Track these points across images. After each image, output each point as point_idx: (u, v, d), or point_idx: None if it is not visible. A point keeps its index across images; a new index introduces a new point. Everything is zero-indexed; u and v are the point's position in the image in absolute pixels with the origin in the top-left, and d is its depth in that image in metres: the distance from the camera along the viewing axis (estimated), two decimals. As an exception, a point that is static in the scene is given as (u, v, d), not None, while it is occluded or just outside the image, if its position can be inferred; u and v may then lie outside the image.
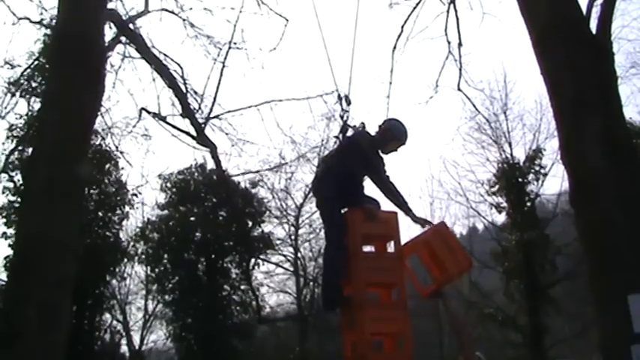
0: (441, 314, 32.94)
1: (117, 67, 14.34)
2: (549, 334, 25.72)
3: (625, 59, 23.37)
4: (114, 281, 26.83)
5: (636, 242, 6.99)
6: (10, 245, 19.84)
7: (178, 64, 14.03)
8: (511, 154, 27.50)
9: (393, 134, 8.14)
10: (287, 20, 14.00)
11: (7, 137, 20.18)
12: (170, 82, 13.79)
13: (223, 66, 14.15)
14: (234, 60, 14.43)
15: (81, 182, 8.03)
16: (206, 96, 14.22)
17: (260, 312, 28.53)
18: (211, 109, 14.19)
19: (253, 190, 28.15)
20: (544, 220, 26.60)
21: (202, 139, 14.19)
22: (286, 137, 25.28)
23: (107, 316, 25.63)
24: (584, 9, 8.40)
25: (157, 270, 26.96)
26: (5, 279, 17.48)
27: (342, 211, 7.74)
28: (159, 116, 14.38)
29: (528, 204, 26.60)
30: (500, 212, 27.56)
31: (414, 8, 14.87)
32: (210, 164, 24.88)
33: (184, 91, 13.94)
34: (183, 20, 14.27)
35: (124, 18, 13.44)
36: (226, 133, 15.01)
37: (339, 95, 8.23)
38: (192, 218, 27.05)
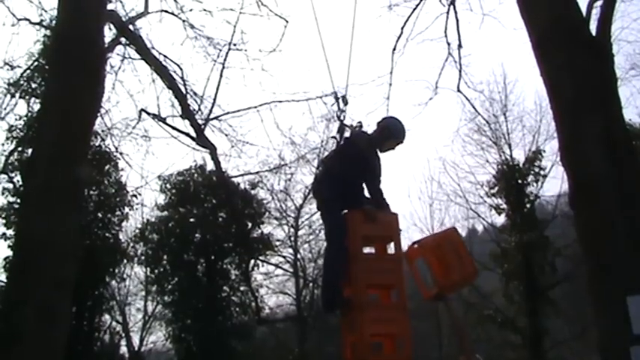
0: (440, 315, 33.00)
1: (117, 68, 14.35)
2: (548, 336, 25.73)
3: (625, 61, 23.37)
4: (113, 282, 26.81)
5: (635, 244, 6.99)
6: (9, 246, 19.85)
7: (178, 65, 14.04)
8: (511, 156, 27.53)
9: (391, 132, 8.13)
10: (287, 21, 14.00)
11: (7, 138, 20.20)
12: (170, 84, 13.79)
13: (223, 67, 14.16)
14: (233, 61, 14.44)
15: (80, 183, 8.03)
16: (206, 97, 14.22)
17: (259, 313, 28.52)
18: (211, 111, 14.19)
19: (253, 192, 28.15)
20: (543, 222, 26.62)
21: (202, 141, 14.18)
22: (286, 138, 25.30)
23: (106, 317, 25.62)
24: (584, 11, 8.41)
25: (156, 271, 26.96)
26: (5, 280, 17.50)
27: (343, 213, 7.75)
28: (158, 117, 14.38)
29: (528, 205, 26.61)
30: (499, 214, 27.60)
31: (414, 9, 14.88)
32: (210, 165, 24.92)
33: (184, 92, 13.94)
34: (183, 21, 14.27)
35: (123, 19, 13.45)
36: (226, 135, 15.01)
37: (336, 95, 8.25)
38: (191, 219, 27.05)
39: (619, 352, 6.59)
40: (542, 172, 26.92)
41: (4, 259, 20.10)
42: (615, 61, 8.41)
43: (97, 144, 19.90)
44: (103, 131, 16.99)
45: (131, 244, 26.92)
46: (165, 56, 13.88)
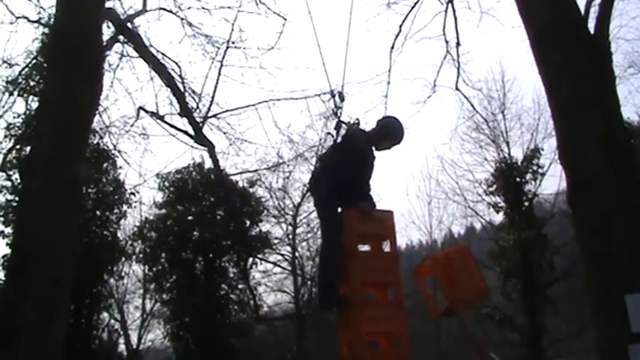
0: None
1: (115, 66, 14.32)
2: (547, 334, 25.78)
3: (623, 59, 23.42)
4: (111, 280, 26.74)
5: (634, 242, 7.00)
6: (8, 244, 19.86)
7: (176, 63, 14.02)
8: (509, 154, 27.58)
9: (389, 132, 8.12)
10: (285, 19, 13.98)
11: (5, 136, 20.16)
12: (168, 82, 13.78)
13: (221, 65, 14.13)
14: (232, 59, 14.46)
15: (79, 181, 8.03)
16: (204, 95, 14.20)
17: (257, 311, 28.54)
18: (209, 109, 14.17)
19: (251, 190, 28.14)
20: (542, 220, 26.65)
21: (200, 139, 14.17)
22: (284, 136, 25.34)
23: (105, 315, 25.61)
24: (582, 9, 8.41)
25: (154, 269, 26.95)
26: (3, 278, 17.49)
27: (339, 210, 7.74)
28: (157, 115, 14.37)
29: (526, 204, 26.66)
30: (497, 212, 27.63)
31: (412, 7, 14.86)
32: (208, 163, 24.87)
33: (182, 90, 13.92)
34: (182, 19, 14.23)
35: (122, 17, 13.44)
36: (224, 133, 14.98)
37: (332, 92, 8.25)
38: (189, 217, 27.04)
39: (617, 351, 6.60)
40: (540, 171, 26.99)
41: (3, 257, 20.13)
42: (613, 59, 8.42)
43: (95, 142, 19.91)
44: (101, 129, 16.97)
45: (129, 242, 26.92)
46: (163, 54, 13.88)
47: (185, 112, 13.85)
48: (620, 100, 8.23)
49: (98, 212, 22.99)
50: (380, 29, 21.29)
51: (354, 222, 7.57)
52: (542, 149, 27.28)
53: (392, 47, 15.31)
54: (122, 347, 29.86)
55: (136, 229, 27.51)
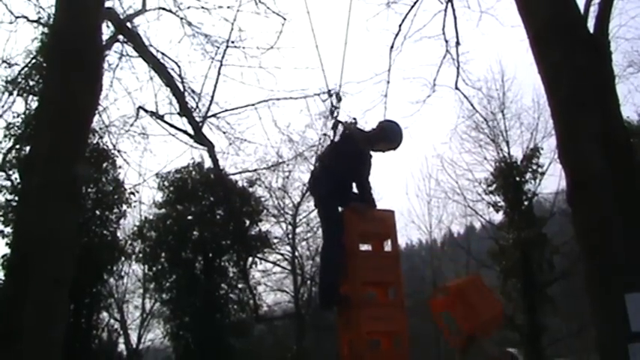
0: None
1: (114, 66, 14.33)
2: (546, 333, 25.80)
3: (622, 58, 23.45)
4: (111, 280, 26.79)
5: (633, 241, 7.01)
6: (7, 244, 19.86)
7: (176, 63, 14.03)
8: (508, 153, 27.61)
9: (387, 135, 8.11)
10: (284, 19, 13.98)
11: (5, 136, 20.19)
12: (168, 81, 13.78)
13: (221, 65, 14.13)
14: (231, 59, 14.46)
15: (78, 181, 8.02)
16: (204, 95, 14.21)
17: (257, 310, 28.57)
18: (209, 108, 14.18)
19: (251, 189, 28.15)
20: (541, 219, 26.68)
21: (200, 138, 14.18)
22: (284, 136, 25.28)
23: (104, 314, 25.65)
24: (581, 8, 8.42)
25: (154, 268, 26.97)
26: (3, 278, 17.50)
27: (340, 210, 7.75)
28: (156, 115, 14.38)
29: (526, 203, 26.68)
30: (497, 211, 27.65)
31: (412, 7, 14.87)
32: (208, 163, 24.90)
33: (182, 89, 13.93)
34: (181, 19, 14.23)
35: (121, 17, 13.44)
36: (224, 132, 15.00)
37: (329, 92, 8.25)
38: (189, 217, 27.05)
39: (617, 350, 6.61)
40: (540, 170, 27.02)
41: (2, 256, 20.13)
42: (613, 58, 8.44)
43: (94, 141, 19.92)
44: (100, 129, 16.98)
45: (129, 242, 26.93)
46: (163, 54, 13.89)
47: (185, 111, 13.85)
48: (620, 99, 8.24)
49: (98, 212, 23.01)
50: (379, 28, 21.18)
51: (355, 221, 7.58)
52: (542, 148, 27.34)
53: (391, 46, 15.33)
54: (122, 347, 29.91)
55: (135, 228, 27.54)
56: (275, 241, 30.09)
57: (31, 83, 18.23)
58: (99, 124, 15.94)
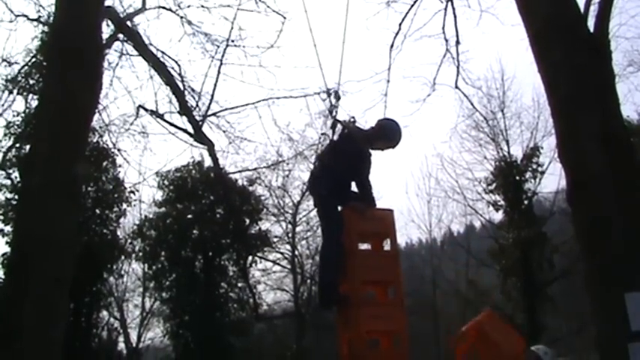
0: (438, 313, 33.06)
1: (114, 65, 14.31)
2: (546, 332, 25.80)
3: (622, 57, 23.42)
4: (111, 278, 26.85)
5: (633, 240, 7.00)
6: (7, 243, 19.87)
7: (176, 62, 14.01)
8: (508, 152, 27.65)
9: (386, 134, 8.12)
10: (284, 18, 13.96)
11: (5, 134, 20.22)
12: (168, 80, 13.77)
13: (221, 63, 14.11)
14: (231, 57, 14.43)
15: (78, 180, 8.02)
16: (203, 93, 14.19)
17: (257, 309, 28.60)
18: (209, 107, 14.16)
19: (251, 188, 28.18)
20: (541, 219, 26.71)
21: (200, 137, 14.17)
22: (284, 135, 25.20)
23: (104, 313, 25.71)
24: (582, 7, 8.40)
25: (154, 267, 27.00)
26: (3, 277, 17.51)
27: (339, 209, 7.75)
28: (156, 114, 14.36)
29: (526, 202, 26.71)
30: (497, 210, 27.68)
31: (412, 6, 14.84)
32: (208, 162, 24.92)
33: (182, 88, 13.91)
34: (181, 18, 14.22)
35: (121, 15, 13.43)
36: (224, 131, 14.96)
37: (327, 91, 8.26)
38: (189, 216, 27.08)
39: (617, 349, 6.60)
40: (539, 169, 27.05)
41: (2, 255, 20.15)
42: (613, 57, 8.41)
43: (94, 140, 19.89)
44: (100, 127, 16.94)
45: (129, 241, 26.99)
46: (163, 52, 13.87)
47: (185, 110, 13.84)
48: (620, 98, 8.21)
49: (98, 211, 23.05)
50: (379, 27, 21.20)
51: (355, 220, 7.58)
52: (542, 147, 27.38)
53: (391, 45, 15.30)
54: (122, 345, 29.99)
55: (135, 227, 27.59)
56: (275, 239, 30.16)
57: (31, 82, 18.21)
58: (99, 122, 15.93)
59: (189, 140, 14.61)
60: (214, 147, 14.85)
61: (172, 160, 32.39)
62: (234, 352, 25.86)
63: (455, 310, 32.54)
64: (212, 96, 14.10)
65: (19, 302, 6.83)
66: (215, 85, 14.03)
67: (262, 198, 29.02)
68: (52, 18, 11.32)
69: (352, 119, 8.19)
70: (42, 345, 6.80)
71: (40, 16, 15.08)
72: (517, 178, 26.77)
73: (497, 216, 28.17)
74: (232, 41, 14.13)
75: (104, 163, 22.84)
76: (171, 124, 14.31)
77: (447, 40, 15.33)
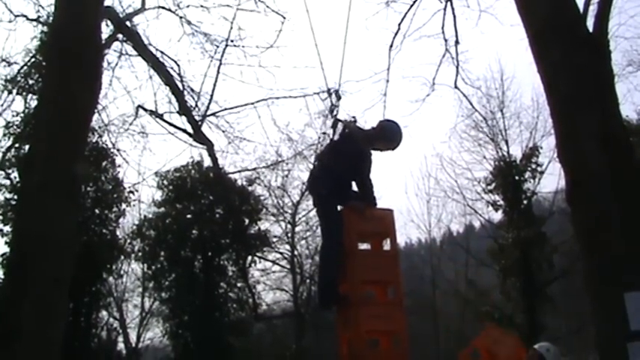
0: (438, 313, 33.05)
1: (114, 65, 14.30)
2: (546, 332, 25.77)
3: (622, 57, 23.45)
4: (110, 279, 26.84)
5: (633, 240, 7.00)
6: (6, 243, 19.88)
7: (175, 62, 14.00)
8: (508, 152, 27.65)
9: (386, 135, 8.12)
10: (284, 18, 13.96)
11: (4, 134, 20.23)
12: (167, 80, 13.76)
13: (220, 63, 14.11)
14: (231, 57, 14.43)
15: (78, 180, 8.02)
16: (203, 93, 14.18)
17: (256, 309, 28.61)
18: (208, 107, 14.16)
19: (250, 188, 28.20)
20: (541, 218, 26.70)
21: (199, 137, 14.17)
22: (283, 135, 25.21)
23: (104, 313, 25.69)
24: (581, 7, 8.40)
25: (153, 267, 27.02)
26: (2, 277, 17.50)
27: (339, 209, 7.75)
28: (155, 114, 14.36)
29: (525, 202, 26.71)
30: (496, 210, 27.68)
31: (411, 6, 14.83)
32: (207, 162, 24.94)
33: (181, 88, 13.91)
34: (180, 18, 14.21)
35: (120, 15, 13.42)
36: (223, 131, 14.95)
37: (328, 90, 8.25)
38: (188, 216, 27.09)
39: (616, 349, 6.60)
40: (539, 169, 27.06)
41: (2, 255, 20.15)
42: (612, 57, 8.42)
43: (94, 140, 19.93)
44: (100, 127, 16.96)
45: (128, 241, 27.00)
46: (162, 52, 13.86)
47: (184, 110, 13.84)
48: (619, 98, 8.22)
49: (97, 211, 23.04)
50: (379, 27, 21.27)
51: (354, 220, 7.58)
52: (541, 147, 27.38)
53: (391, 45, 15.29)
54: (121, 346, 29.99)
55: (135, 227, 27.61)
56: (274, 239, 30.19)
57: (31, 82, 18.23)
58: (98, 122, 15.93)
59: (189, 140, 14.62)
60: (214, 147, 14.86)
61: (172, 160, 32.47)
62: (234, 352, 25.87)
63: (454, 310, 32.59)
64: (211, 96, 14.12)
65: (18, 302, 6.83)
66: (214, 85, 14.05)
67: (262, 198, 29.09)
68: (51, 18, 11.32)
69: (353, 119, 8.19)
70: (41, 345, 6.79)
71: (39, 17, 15.10)
72: (516, 177, 26.77)
73: (497, 216, 28.23)
74: (232, 41, 14.14)
75: (103, 163, 22.85)
76: (171, 124, 14.32)
77: (446, 40, 15.33)
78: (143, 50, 13.60)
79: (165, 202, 27.20)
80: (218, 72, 14.07)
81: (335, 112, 8.15)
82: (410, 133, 8.13)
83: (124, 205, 24.20)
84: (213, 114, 14.43)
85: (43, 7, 14.72)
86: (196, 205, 27.15)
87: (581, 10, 8.34)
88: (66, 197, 7.42)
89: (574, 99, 7.61)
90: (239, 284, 27.53)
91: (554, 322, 27.44)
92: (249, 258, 28.15)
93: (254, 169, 25.90)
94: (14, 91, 17.75)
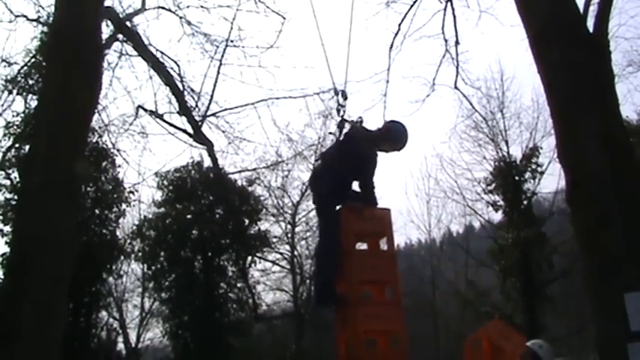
0: (437, 313, 33.05)
1: (114, 65, 14.31)
2: (546, 333, 25.76)
3: (622, 57, 23.40)
4: (110, 279, 26.84)
5: (633, 241, 7.00)
6: (6, 243, 19.88)
7: (175, 62, 14.01)
8: (508, 153, 27.65)
9: (391, 136, 8.12)
10: (284, 18, 13.97)
11: (4, 135, 20.25)
12: (167, 80, 13.77)
13: (220, 64, 14.12)
14: (231, 58, 14.43)
15: (78, 180, 8.02)
16: (203, 94, 14.19)
17: (256, 310, 28.60)
18: (208, 107, 14.17)
19: (250, 188, 28.19)
20: (541, 219, 26.70)
21: (199, 137, 14.18)
22: (283, 135, 25.26)
23: (103, 313, 25.68)
24: (581, 7, 8.41)
25: (153, 267, 27.01)
26: (2, 277, 17.50)
27: (337, 209, 7.75)
28: (156, 114, 14.37)
29: (525, 202, 26.71)
30: (496, 210, 27.68)
31: (411, 6, 14.84)
32: (207, 162, 24.95)
33: (181, 88, 13.92)
34: (180, 18, 14.22)
35: (121, 16, 13.43)
36: (223, 131, 14.97)
37: (335, 90, 8.25)
38: (188, 216, 27.09)
39: (616, 349, 6.61)
40: (539, 169, 27.06)
41: (2, 255, 20.14)
42: (612, 57, 8.42)
43: (94, 140, 19.94)
44: (100, 128, 16.99)
45: (128, 241, 26.99)
46: (162, 53, 13.87)
47: (184, 110, 13.84)
48: (619, 98, 8.22)
49: (97, 211, 23.04)
50: (379, 28, 21.26)
51: (352, 220, 7.58)
52: (541, 148, 27.38)
53: (391, 46, 15.30)
54: (121, 346, 29.96)
55: (134, 227, 27.61)
56: (274, 240, 30.17)
57: (31, 82, 18.23)
58: (98, 123, 15.95)
59: (189, 140, 14.64)
60: (214, 147, 14.89)
61: (172, 161, 32.43)
62: (234, 353, 25.86)
63: (454, 310, 32.58)
64: (211, 96, 14.13)
65: (18, 302, 6.83)
66: (214, 85, 14.06)
67: (261, 198, 29.08)
68: (51, 18, 11.33)
69: (359, 119, 8.19)
70: (41, 345, 6.79)
71: (39, 17, 15.11)
72: (516, 178, 26.78)
73: (497, 216, 28.23)
74: (232, 41, 14.15)
75: (103, 164, 22.85)
76: (171, 125, 14.33)
77: (446, 41, 15.34)
78: (143, 50, 13.61)
79: (165, 203, 27.20)
80: (218, 72, 14.09)
81: (342, 112, 8.15)
82: (410, 134, 8.12)
83: (124, 206, 24.24)
84: (213, 114, 14.45)
85: (43, 8, 14.75)
86: (196, 206, 27.15)
87: (582, 10, 8.36)
88: (66, 197, 7.42)
89: (574, 99, 7.61)
90: (239, 284, 27.53)
91: (554, 322, 27.42)
92: (249, 258, 28.14)
93: (254, 169, 25.97)
94: (14, 91, 17.77)
